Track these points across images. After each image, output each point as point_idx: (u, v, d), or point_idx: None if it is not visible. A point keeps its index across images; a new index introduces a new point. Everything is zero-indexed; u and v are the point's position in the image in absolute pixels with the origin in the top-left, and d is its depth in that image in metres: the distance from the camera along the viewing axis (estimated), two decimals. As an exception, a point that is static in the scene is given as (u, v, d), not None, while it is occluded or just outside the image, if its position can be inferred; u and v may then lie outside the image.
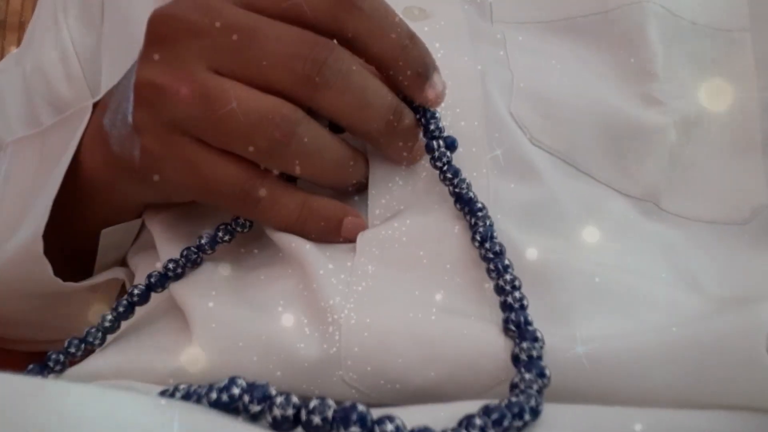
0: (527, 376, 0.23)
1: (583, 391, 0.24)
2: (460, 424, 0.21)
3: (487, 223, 0.28)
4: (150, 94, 0.29)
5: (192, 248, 0.32)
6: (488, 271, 0.27)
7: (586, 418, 0.23)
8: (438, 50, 0.31)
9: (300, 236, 0.30)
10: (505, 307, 0.26)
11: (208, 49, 0.28)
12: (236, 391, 0.21)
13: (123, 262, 0.41)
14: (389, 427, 0.20)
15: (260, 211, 0.30)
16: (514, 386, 0.24)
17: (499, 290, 0.27)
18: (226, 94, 0.28)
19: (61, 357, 0.31)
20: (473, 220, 0.28)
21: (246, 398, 0.21)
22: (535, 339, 0.25)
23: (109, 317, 0.31)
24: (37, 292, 0.39)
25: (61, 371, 0.31)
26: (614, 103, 0.33)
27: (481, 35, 0.35)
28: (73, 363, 0.32)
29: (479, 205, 0.29)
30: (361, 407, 0.20)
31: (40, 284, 0.38)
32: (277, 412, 0.20)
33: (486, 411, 0.22)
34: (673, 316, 0.27)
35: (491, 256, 0.27)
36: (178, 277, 0.31)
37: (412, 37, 0.29)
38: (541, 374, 0.24)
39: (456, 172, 0.29)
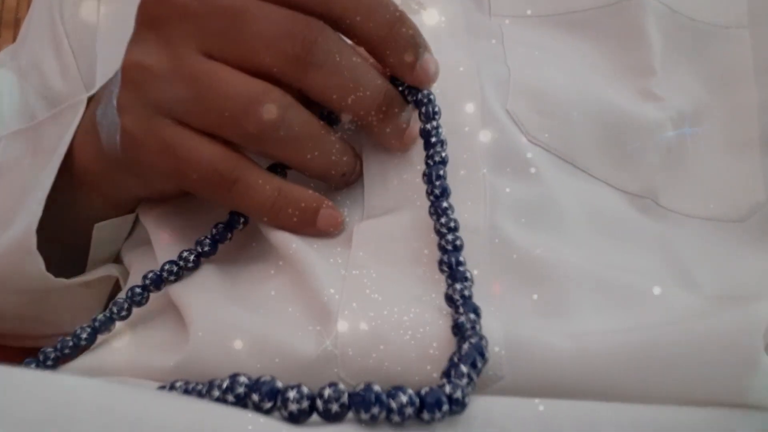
0: (471, 316, 0.24)
1: (578, 387, 0.24)
2: (447, 374, 0.22)
3: (437, 160, 0.28)
4: (137, 75, 0.29)
5: (191, 250, 0.31)
6: (430, 212, 0.28)
7: (583, 415, 0.23)
8: (434, 45, 0.31)
9: (275, 226, 0.30)
10: (440, 248, 0.27)
11: (198, 32, 0.28)
12: (241, 390, 0.21)
13: (117, 258, 0.41)
14: (403, 398, 0.20)
15: (234, 195, 0.29)
16: (459, 326, 0.24)
17: (437, 232, 0.27)
18: (215, 77, 0.28)
19: (53, 353, 0.31)
20: (426, 158, 0.29)
21: (255, 396, 0.21)
22: (465, 279, 0.26)
23: (101, 317, 0.31)
24: (29, 288, 0.38)
25: (53, 367, 0.31)
26: (612, 99, 0.33)
27: (479, 29, 0.35)
28: (66, 360, 0.31)
29: (434, 139, 0.29)
30: (376, 387, 0.20)
31: (32, 280, 0.37)
32: (293, 407, 0.20)
33: (461, 358, 0.23)
34: (669, 313, 0.27)
35: (432, 199, 0.28)
36: (177, 278, 0.31)
37: (401, 16, 0.29)
38: (476, 312, 0.25)
39: (433, 108, 0.29)
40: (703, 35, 0.36)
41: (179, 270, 0.31)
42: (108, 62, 0.42)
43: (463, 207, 0.29)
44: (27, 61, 0.45)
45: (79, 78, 0.44)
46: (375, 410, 0.20)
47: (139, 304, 0.31)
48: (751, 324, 0.24)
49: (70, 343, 0.31)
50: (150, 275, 0.31)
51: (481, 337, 0.24)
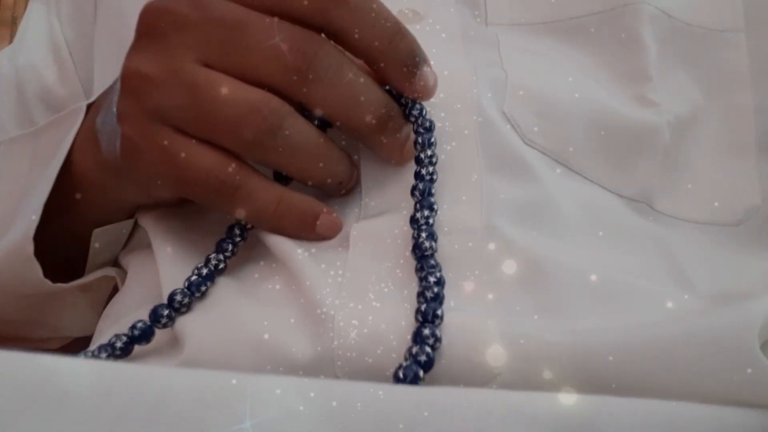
0: (433, 243, 0.27)
1: (576, 383, 0.24)
2: (424, 321, 0.24)
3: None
4: (136, 83, 0.29)
5: (202, 267, 0.30)
6: (415, 143, 0.29)
7: (578, 410, 0.23)
8: (431, 52, 0.31)
9: (275, 232, 0.30)
10: (417, 176, 0.29)
11: (198, 41, 0.28)
12: None
13: (115, 263, 0.41)
14: None
15: (236, 203, 0.29)
16: (418, 245, 0.27)
17: (418, 160, 0.29)
18: (213, 85, 0.28)
19: None
20: (407, 100, 0.30)
21: None
22: (432, 209, 0.28)
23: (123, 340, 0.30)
24: (27, 292, 0.38)
25: None
26: (608, 104, 0.33)
27: (475, 37, 0.35)
28: None
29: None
30: None
31: (30, 285, 0.37)
32: None
33: (433, 297, 0.25)
34: (666, 312, 0.27)
35: (422, 131, 0.29)
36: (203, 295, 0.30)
37: (400, 29, 0.29)
38: (433, 236, 0.27)
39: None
40: (699, 39, 0.36)
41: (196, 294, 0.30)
42: (106, 68, 0.42)
43: (459, 208, 0.29)
44: (25, 64, 0.45)
45: (78, 82, 0.44)
46: None
47: (165, 325, 0.29)
48: (747, 321, 0.24)
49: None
50: (162, 306, 0.29)
51: (439, 266, 0.26)
